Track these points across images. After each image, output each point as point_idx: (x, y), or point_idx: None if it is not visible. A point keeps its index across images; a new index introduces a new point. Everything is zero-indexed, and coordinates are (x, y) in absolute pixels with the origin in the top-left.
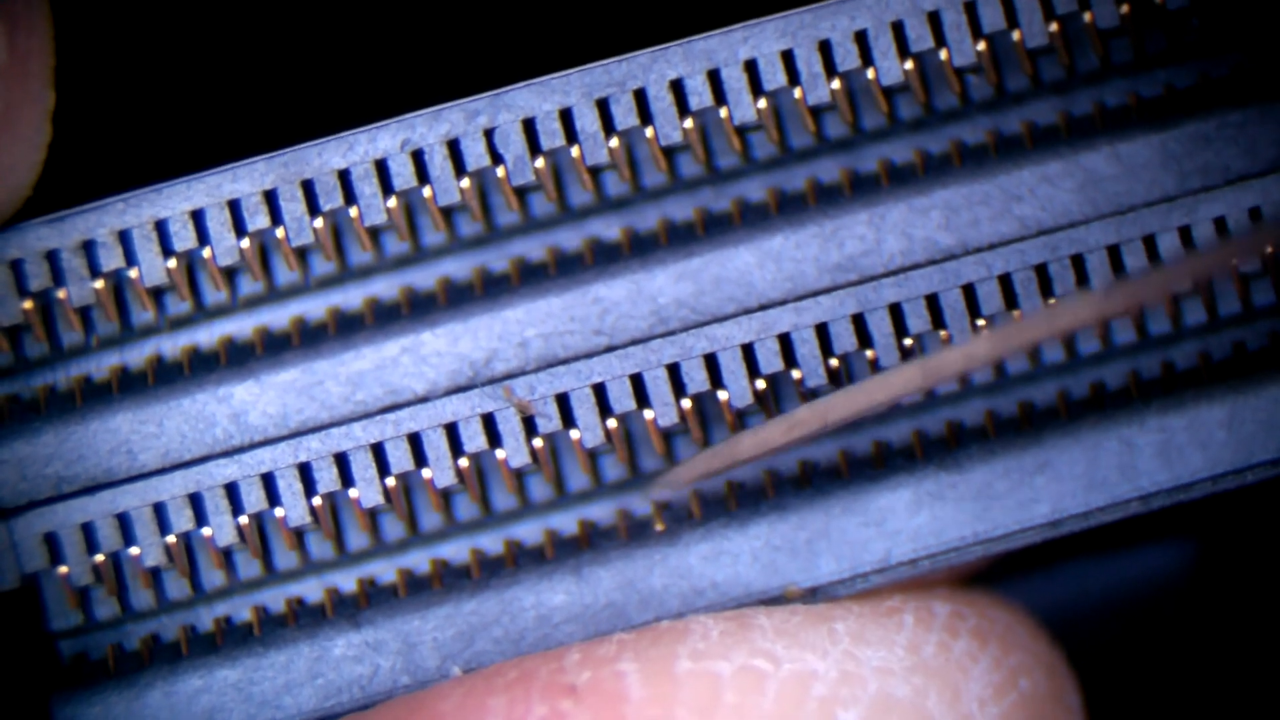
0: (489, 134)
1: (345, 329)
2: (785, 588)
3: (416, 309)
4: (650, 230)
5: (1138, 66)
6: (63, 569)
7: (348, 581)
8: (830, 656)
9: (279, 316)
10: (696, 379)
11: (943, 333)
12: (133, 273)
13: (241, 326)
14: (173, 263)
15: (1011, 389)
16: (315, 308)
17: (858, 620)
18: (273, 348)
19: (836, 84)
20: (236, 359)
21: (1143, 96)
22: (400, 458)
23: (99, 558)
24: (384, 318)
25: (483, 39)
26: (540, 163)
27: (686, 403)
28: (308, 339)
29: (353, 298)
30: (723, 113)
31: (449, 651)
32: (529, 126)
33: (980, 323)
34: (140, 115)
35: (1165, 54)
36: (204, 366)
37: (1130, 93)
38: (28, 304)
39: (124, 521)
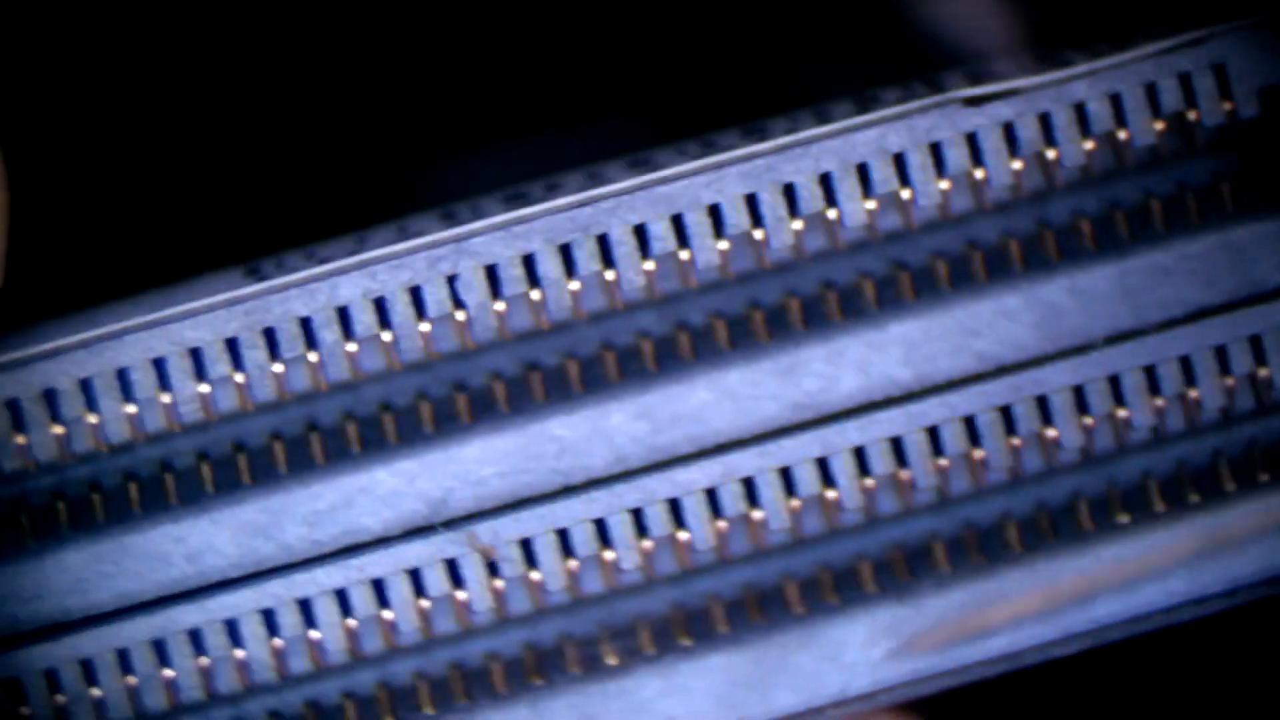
0: (451, 280)
1: (299, 466)
2: None
3: (369, 446)
4: (603, 366)
5: (1099, 197)
6: (24, 711)
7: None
8: None
9: (228, 450)
10: (659, 523)
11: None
12: (92, 418)
13: (190, 460)
14: (132, 409)
15: (956, 512)
16: (265, 443)
17: None
18: (226, 484)
19: (799, 224)
20: (189, 495)
21: (1099, 224)
22: (362, 603)
23: (60, 699)
24: (337, 454)
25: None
26: (501, 307)
27: (648, 544)
28: (261, 475)
29: (303, 431)
30: (684, 255)
31: None
32: (490, 272)
33: (943, 463)
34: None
35: (1125, 182)
36: (156, 503)
37: (1087, 221)
38: None
39: (87, 666)
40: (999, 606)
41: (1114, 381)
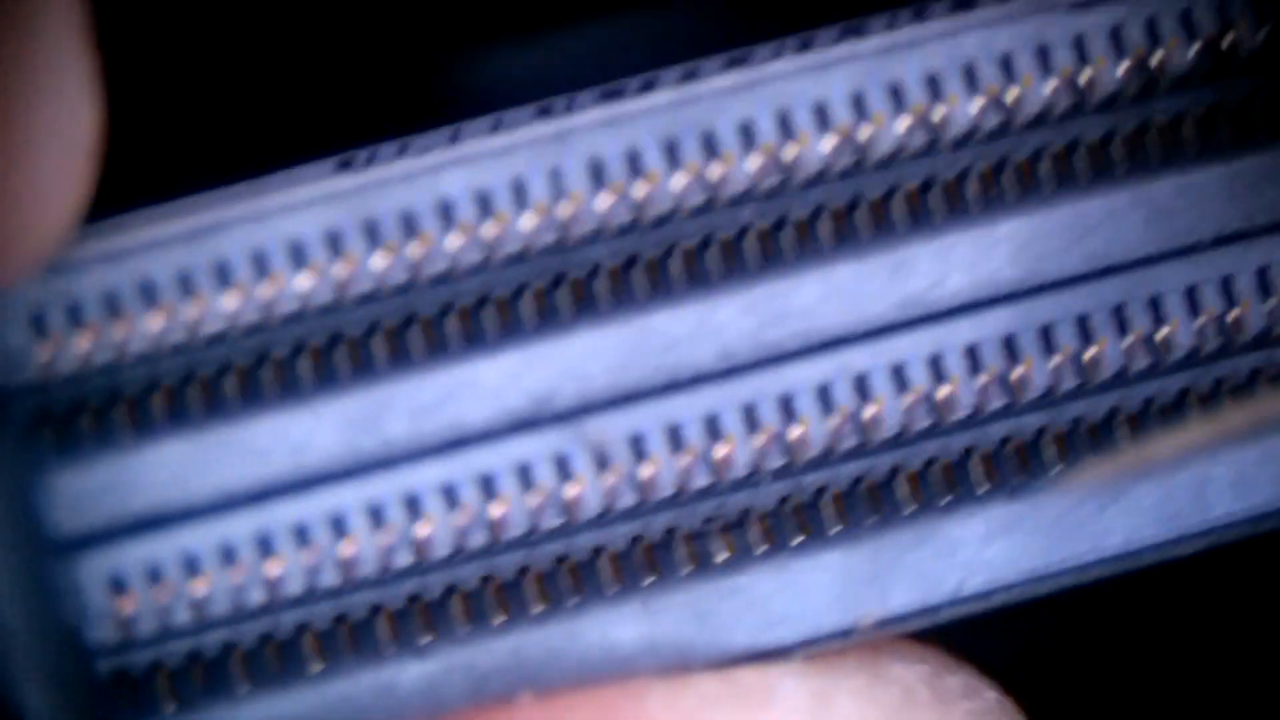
0: (554, 173)
1: (400, 359)
2: (858, 620)
3: (472, 339)
4: (708, 261)
5: (1206, 101)
6: (125, 606)
7: (407, 613)
8: None
9: (327, 343)
10: (771, 419)
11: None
12: (191, 312)
13: (289, 353)
14: (232, 301)
15: (1068, 410)
16: (366, 336)
17: None
18: (326, 378)
19: (905, 123)
20: (290, 388)
21: (1204, 126)
22: (470, 498)
23: (161, 596)
24: (439, 348)
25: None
26: (605, 200)
27: (760, 440)
28: (362, 369)
29: (405, 324)
30: (790, 151)
31: (518, 683)
32: (595, 167)
33: (1056, 361)
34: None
35: (1230, 85)
36: (256, 396)
37: (1192, 122)
38: (84, 342)
39: (190, 562)
40: (1115, 505)
41: (1225, 282)
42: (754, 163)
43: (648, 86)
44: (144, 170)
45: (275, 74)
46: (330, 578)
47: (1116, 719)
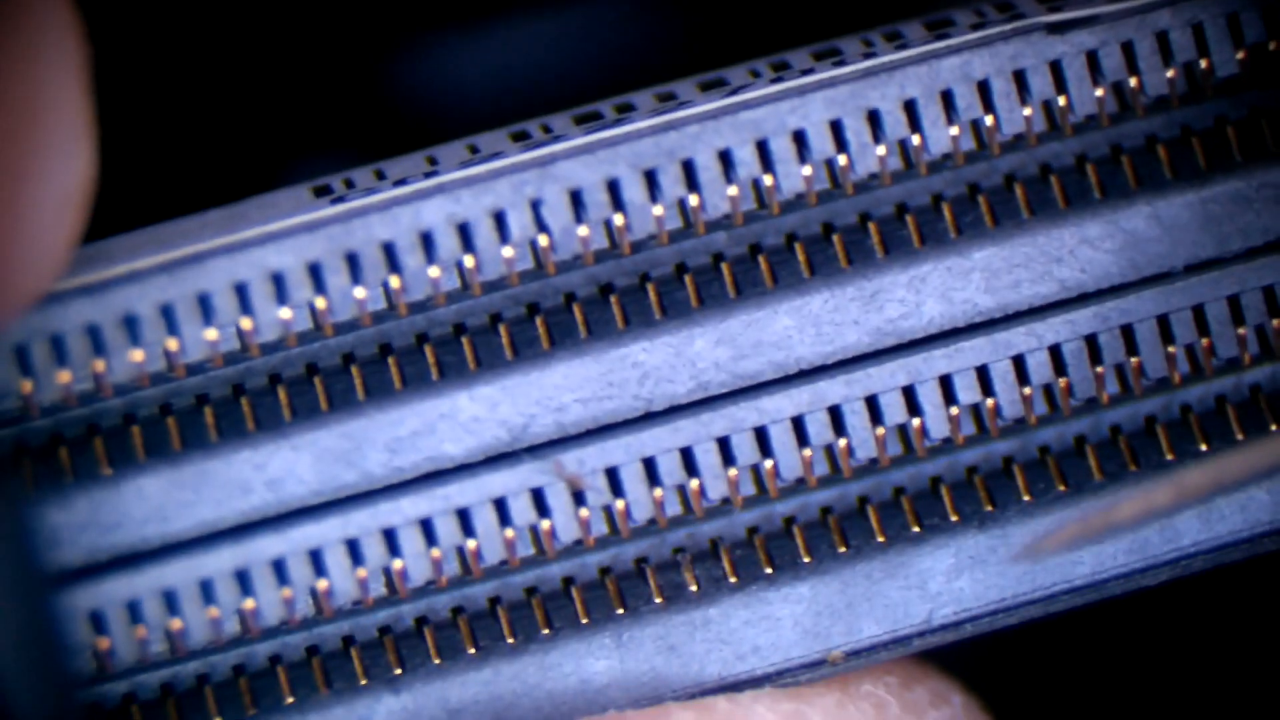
0: (535, 205)
1: (379, 391)
2: (829, 654)
3: (450, 371)
4: (685, 291)
5: (1179, 125)
6: (103, 643)
7: (380, 645)
8: None
9: (307, 376)
10: (745, 451)
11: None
12: (171, 344)
13: (269, 386)
14: (213, 334)
15: (1038, 439)
16: (345, 368)
17: None
18: (305, 410)
19: (882, 150)
20: (269, 421)
21: (1178, 152)
22: (448, 532)
23: (140, 630)
24: (418, 380)
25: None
26: (584, 231)
27: (733, 472)
28: (341, 401)
29: (384, 356)
30: (768, 180)
31: (491, 716)
32: (575, 197)
33: (1026, 392)
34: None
35: (1204, 111)
36: (235, 429)
37: (1165, 149)
38: (64, 376)
39: (169, 597)
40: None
41: (1197, 310)
42: (732, 191)
43: (624, 110)
44: (114, 188)
45: (228, 78)
46: (304, 610)
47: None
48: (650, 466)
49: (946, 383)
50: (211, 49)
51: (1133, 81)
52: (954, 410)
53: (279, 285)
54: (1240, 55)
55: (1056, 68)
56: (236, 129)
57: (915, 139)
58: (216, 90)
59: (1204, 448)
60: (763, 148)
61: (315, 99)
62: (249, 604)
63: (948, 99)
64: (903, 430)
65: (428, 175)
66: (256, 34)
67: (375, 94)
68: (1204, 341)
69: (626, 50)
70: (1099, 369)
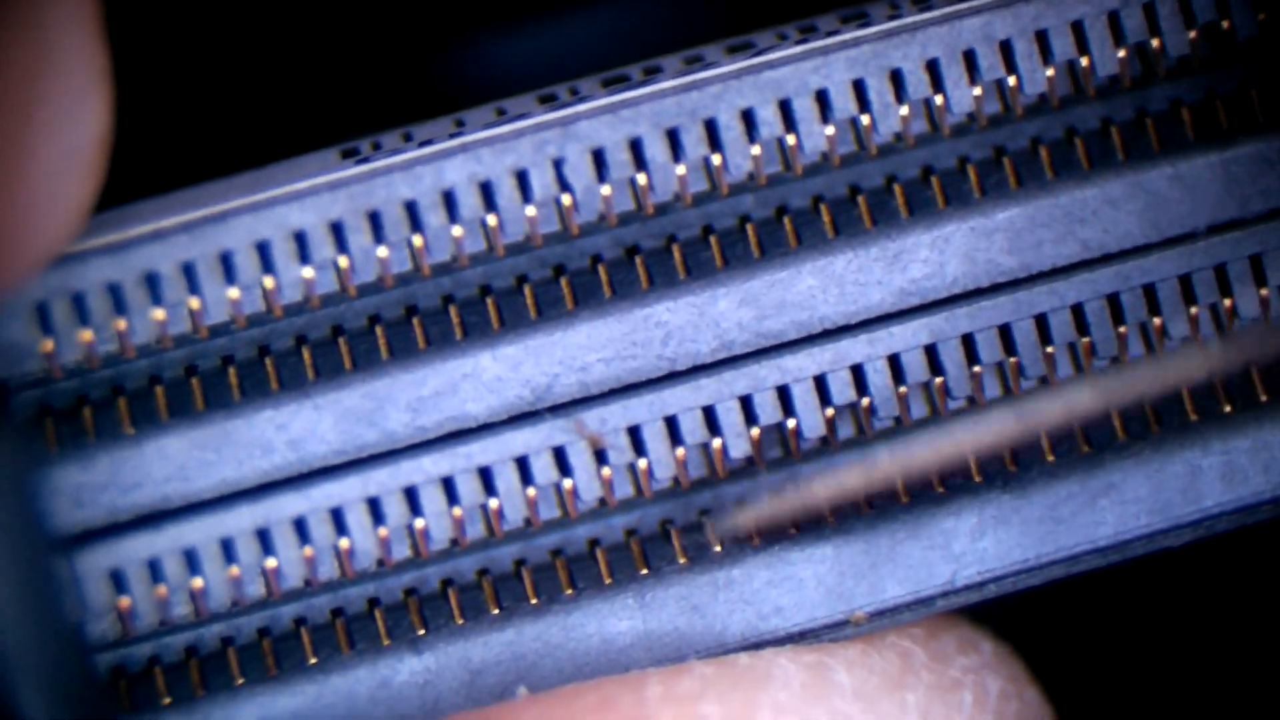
0: (557, 163)
1: (402, 351)
2: (852, 614)
3: (473, 331)
4: (708, 251)
5: (1202, 88)
6: (124, 602)
7: (403, 606)
8: None
9: (329, 335)
10: (767, 410)
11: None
12: (193, 303)
13: (290, 345)
14: (235, 293)
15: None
16: (367, 328)
17: (927, 694)
18: (327, 370)
19: (905, 110)
20: (291, 380)
21: (1201, 114)
22: (469, 491)
23: (161, 590)
24: (440, 340)
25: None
26: (606, 191)
27: (755, 432)
28: (363, 360)
29: (406, 315)
30: (790, 140)
31: (513, 677)
32: (597, 157)
33: (1049, 351)
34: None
35: (1227, 76)
36: (257, 389)
37: (1189, 110)
38: (86, 336)
39: (190, 556)
40: (1106, 496)
41: (1219, 270)
42: (755, 151)
43: (651, 73)
44: (145, 162)
45: (276, 64)
46: (328, 571)
47: (1120, 675)
48: (672, 425)
49: (969, 342)
50: (262, 38)
51: (1155, 43)
52: (976, 369)
53: (301, 244)
54: (1260, 18)
55: (1078, 28)
56: (286, 119)
57: (938, 99)
58: (266, 79)
59: (1228, 409)
60: (785, 107)
61: (367, 94)
62: (270, 563)
63: (970, 59)
64: (926, 389)
65: (452, 136)
66: (309, 24)
67: (425, 85)
68: (1226, 302)
69: (675, 43)
70: (1122, 329)
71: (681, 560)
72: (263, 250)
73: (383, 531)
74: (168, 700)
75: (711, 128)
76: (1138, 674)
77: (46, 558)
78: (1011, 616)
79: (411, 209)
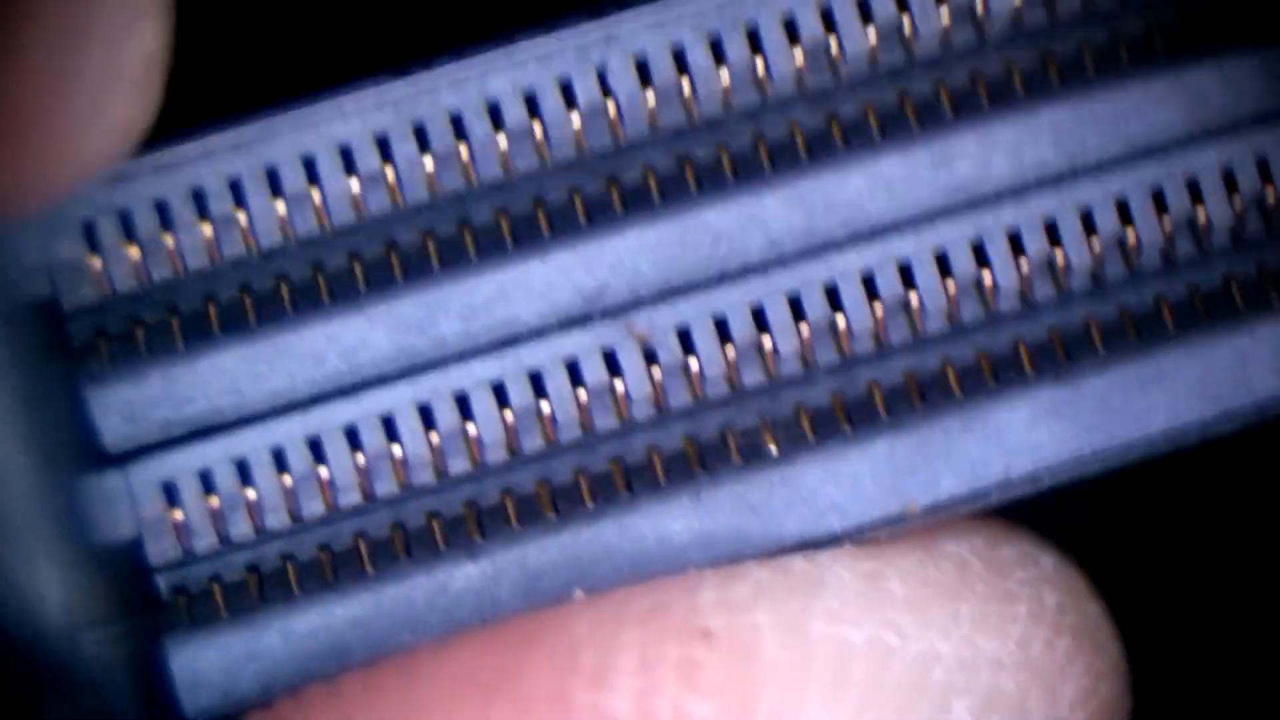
0: (600, 71)
1: (452, 261)
2: (906, 506)
3: (522, 239)
4: (756, 156)
5: None
6: (178, 514)
7: (460, 516)
8: (952, 639)
9: (380, 248)
10: (816, 308)
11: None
12: (242, 218)
13: (342, 259)
14: (282, 207)
15: (1111, 295)
16: (417, 239)
17: (980, 605)
18: (378, 282)
19: (945, 14)
20: (342, 293)
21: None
22: (520, 395)
23: (214, 501)
24: (490, 249)
25: None
26: (651, 98)
27: (806, 330)
28: (413, 272)
29: (455, 226)
30: (833, 45)
31: (570, 580)
32: (640, 64)
33: (1096, 246)
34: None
35: None
36: (308, 302)
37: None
38: (134, 252)
39: (242, 467)
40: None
41: (1262, 163)
42: (798, 57)
43: None
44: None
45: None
46: (385, 483)
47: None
48: (722, 326)
49: (1015, 238)
50: None
51: None
52: (1023, 263)
53: (346, 157)
54: None
55: None
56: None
57: (980, 3)
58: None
59: (1275, 298)
60: (826, 12)
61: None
62: (323, 472)
63: None
64: (978, 285)
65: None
66: None
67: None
68: (1269, 190)
69: None
70: (1165, 220)
71: (736, 460)
72: (309, 164)
73: (434, 436)
74: (228, 612)
75: (753, 34)
76: (1208, 594)
77: (100, 475)
78: (1081, 532)
79: (457, 120)
